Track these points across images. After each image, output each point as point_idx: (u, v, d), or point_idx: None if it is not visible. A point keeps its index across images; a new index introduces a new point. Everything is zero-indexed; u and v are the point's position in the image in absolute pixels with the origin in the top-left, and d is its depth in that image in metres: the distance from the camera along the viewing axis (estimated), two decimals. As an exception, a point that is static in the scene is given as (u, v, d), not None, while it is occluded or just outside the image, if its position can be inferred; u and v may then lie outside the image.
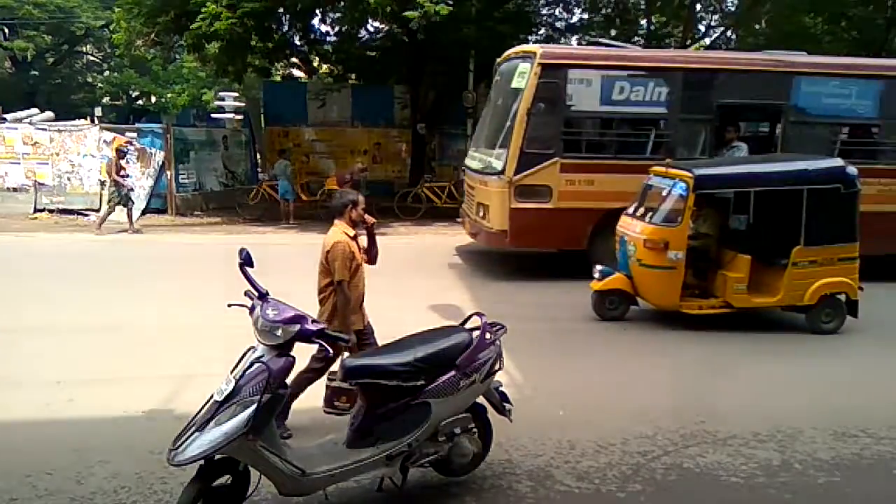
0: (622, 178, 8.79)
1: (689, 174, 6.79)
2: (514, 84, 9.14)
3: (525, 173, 8.81)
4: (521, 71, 9.08)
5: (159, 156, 14.87)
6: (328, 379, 4.24)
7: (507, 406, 3.99)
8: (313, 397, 4.46)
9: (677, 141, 9.13)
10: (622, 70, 8.99)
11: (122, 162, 13.11)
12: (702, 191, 6.85)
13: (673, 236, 6.84)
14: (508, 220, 8.92)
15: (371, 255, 4.63)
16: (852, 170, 6.89)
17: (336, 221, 4.50)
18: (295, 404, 4.32)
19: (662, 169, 7.33)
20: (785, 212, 6.87)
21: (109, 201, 12.82)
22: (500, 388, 3.98)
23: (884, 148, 9.53)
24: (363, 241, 4.62)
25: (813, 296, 6.88)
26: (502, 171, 8.91)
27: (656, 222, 7.03)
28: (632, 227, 7.27)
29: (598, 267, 7.38)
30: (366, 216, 4.55)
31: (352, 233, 4.45)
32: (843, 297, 6.99)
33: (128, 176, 13.21)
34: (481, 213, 9.50)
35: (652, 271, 6.96)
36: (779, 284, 6.92)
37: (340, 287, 4.30)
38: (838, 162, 7.04)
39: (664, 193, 7.12)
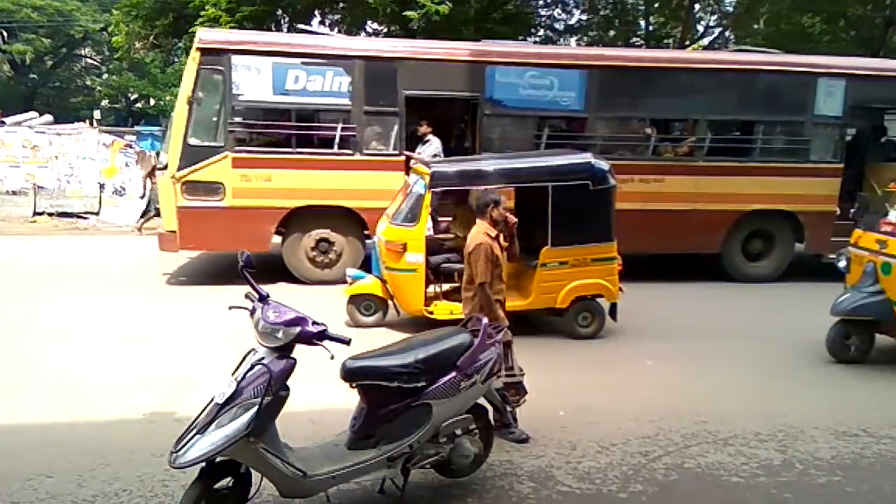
0: (307, 175, 8.37)
1: (427, 171, 6.46)
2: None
3: (191, 169, 8.12)
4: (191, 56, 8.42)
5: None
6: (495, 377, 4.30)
7: (508, 407, 3.99)
8: (311, 398, 4.46)
9: (366, 134, 8.60)
10: (295, 57, 8.32)
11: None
12: (439, 188, 6.52)
13: (411, 237, 6.45)
14: (177, 220, 8.23)
15: (511, 252, 4.61)
16: (602, 165, 6.54)
17: (478, 221, 4.52)
18: (295, 406, 4.30)
19: (420, 166, 6.96)
20: (538, 211, 6.49)
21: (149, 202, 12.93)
22: (501, 390, 3.98)
23: (614, 143, 9.13)
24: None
25: (565, 299, 6.55)
26: (166, 167, 8.29)
27: (396, 223, 6.69)
28: (380, 228, 6.98)
29: (350, 271, 7.08)
30: (508, 216, 4.55)
31: (493, 233, 4.44)
32: (600, 300, 6.72)
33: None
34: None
35: (395, 274, 6.59)
36: (531, 287, 6.61)
37: (482, 289, 4.31)
38: (586, 157, 6.66)
39: (408, 191, 6.84)
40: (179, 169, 8.11)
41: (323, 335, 3.23)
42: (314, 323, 3.25)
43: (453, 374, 3.56)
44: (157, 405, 4.84)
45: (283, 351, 3.20)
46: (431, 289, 6.90)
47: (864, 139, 10.46)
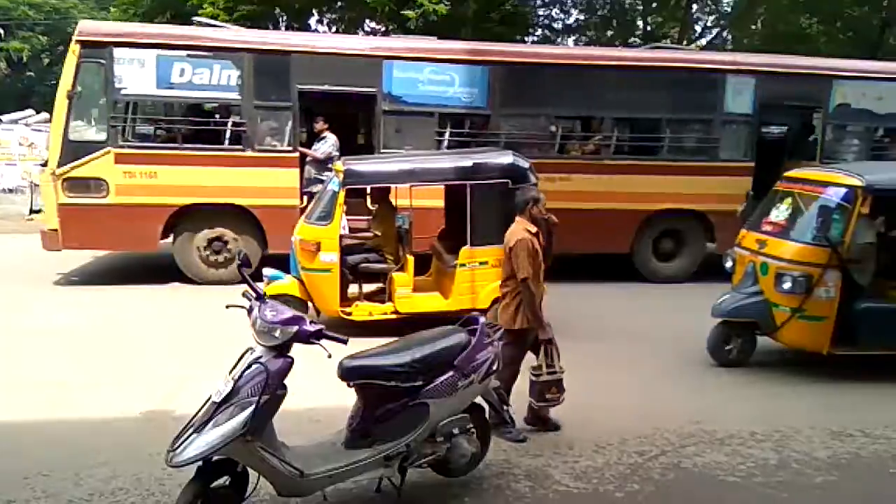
0: (195, 172, 8.07)
1: (342, 168, 6.36)
2: None
3: (72, 165, 7.84)
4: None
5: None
6: (533, 374, 4.36)
7: (505, 406, 3.99)
8: (309, 397, 4.46)
9: (258, 130, 8.36)
10: (181, 50, 8.03)
11: None
12: (352, 186, 6.38)
13: (325, 236, 6.29)
14: (59, 218, 7.90)
15: (545, 253, 4.57)
16: (523, 163, 6.41)
17: (517, 218, 4.53)
18: (292, 405, 4.30)
19: (338, 164, 6.77)
20: (460, 210, 6.40)
21: None
22: (498, 389, 3.98)
23: (518, 141, 8.74)
24: None
25: (486, 299, 6.31)
26: (46, 163, 8.07)
27: (310, 221, 6.53)
28: (297, 228, 6.77)
29: (267, 271, 6.82)
30: (550, 215, 4.55)
31: (533, 229, 4.44)
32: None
33: None
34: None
35: (310, 274, 6.40)
36: (451, 288, 6.45)
37: (525, 284, 4.28)
38: (507, 155, 6.52)
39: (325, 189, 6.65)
40: (59, 165, 7.84)
41: (320, 334, 3.23)
42: (311, 322, 3.26)
43: (451, 373, 3.56)
44: (154, 403, 4.83)
45: (281, 350, 3.19)
46: (353, 289, 6.77)
47: (784, 138, 10.42)
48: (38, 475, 3.83)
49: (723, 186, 9.08)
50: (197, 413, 3.13)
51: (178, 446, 3.00)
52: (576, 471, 4.10)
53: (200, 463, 3.05)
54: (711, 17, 23.94)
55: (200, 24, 9.54)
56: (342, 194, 6.29)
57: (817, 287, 5.51)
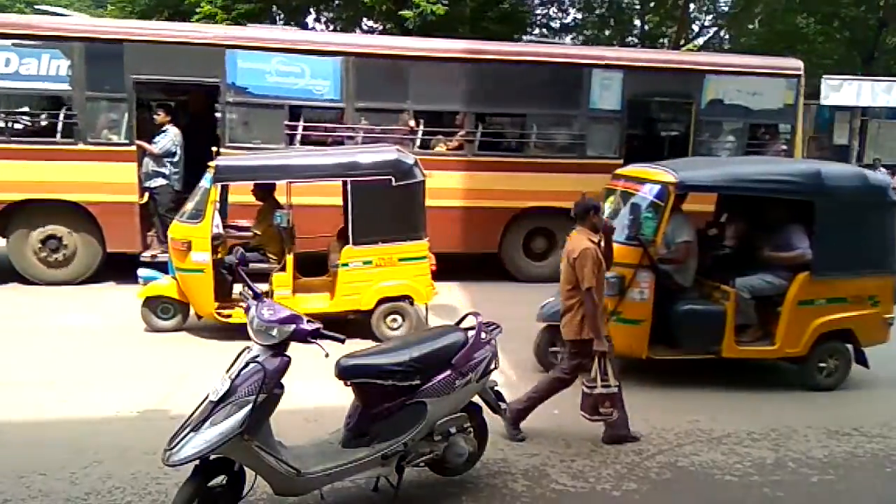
0: (23, 166, 7.65)
1: (213, 164, 6.14)
2: None
3: None
4: None
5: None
6: (587, 387, 4.27)
7: (503, 405, 4.00)
8: (307, 396, 4.46)
9: (91, 123, 7.89)
10: (6, 39, 7.59)
11: None
12: (223, 182, 6.14)
13: (196, 235, 6.01)
14: None
15: (607, 260, 4.47)
16: (408, 159, 6.25)
17: (577, 227, 4.43)
18: (289, 404, 4.30)
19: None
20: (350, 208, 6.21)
21: None
22: (496, 388, 3.98)
23: (375, 135, 8.42)
24: None
25: (370, 300, 6.16)
26: None
27: (181, 219, 6.25)
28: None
29: (141, 271, 6.56)
30: (607, 221, 4.49)
31: (596, 238, 4.35)
32: (408, 302, 6.31)
33: None
34: None
35: (183, 274, 6.13)
36: (334, 288, 6.26)
37: (589, 294, 4.18)
38: (390, 151, 6.36)
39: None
40: None
41: (317, 333, 3.23)
42: (308, 321, 3.25)
43: (448, 372, 3.56)
44: (150, 402, 4.82)
45: (278, 349, 3.19)
46: (238, 290, 6.38)
47: (659, 134, 10.27)
48: (33, 474, 3.82)
49: (591, 184, 8.10)
50: (194, 412, 3.12)
51: (175, 445, 2.99)
52: (573, 470, 4.10)
53: (197, 462, 3.05)
54: (709, 17, 23.98)
55: (42, 11, 9.15)
56: (214, 191, 6.02)
57: (631, 289, 5.18)
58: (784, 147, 9.46)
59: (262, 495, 3.53)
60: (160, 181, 7.98)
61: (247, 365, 3.12)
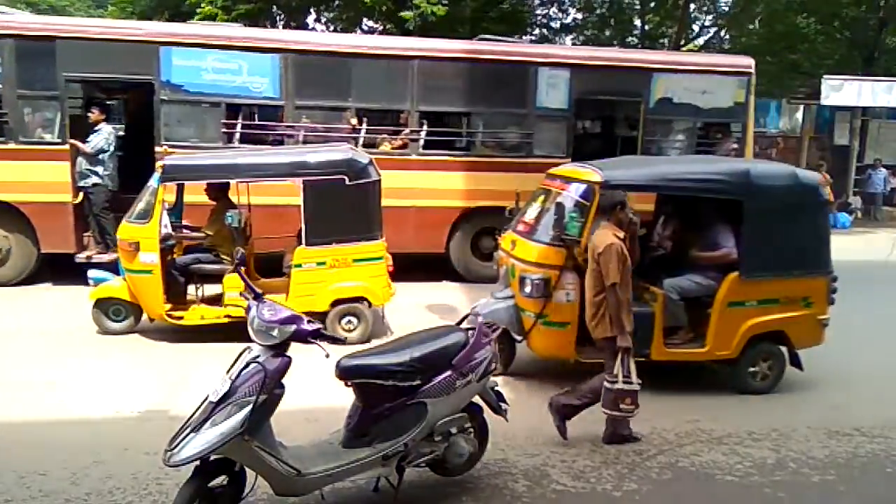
0: None
1: (161, 163, 6.06)
2: None
3: None
4: None
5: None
6: (608, 382, 4.24)
7: (503, 405, 3.99)
8: (307, 397, 4.46)
9: (22, 121, 7.78)
10: None
11: None
12: (172, 181, 6.07)
13: (143, 235, 5.91)
14: None
15: (632, 257, 4.44)
16: (361, 158, 6.18)
17: (602, 223, 4.40)
18: (290, 404, 4.31)
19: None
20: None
21: None
22: (496, 388, 3.98)
23: (317, 133, 8.35)
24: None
25: (325, 302, 6.09)
26: None
27: (130, 220, 6.13)
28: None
29: (92, 272, 6.44)
30: (633, 217, 4.43)
31: (622, 234, 4.31)
32: (365, 303, 6.22)
33: None
34: None
35: (132, 276, 6.05)
36: (287, 290, 6.16)
37: (613, 289, 4.16)
38: (343, 150, 6.30)
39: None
40: None
41: (318, 333, 3.23)
42: (309, 321, 3.26)
43: (448, 372, 3.56)
44: (151, 403, 4.82)
45: (278, 349, 3.20)
46: (193, 291, 6.44)
47: (611, 133, 10.21)
48: (34, 474, 3.82)
49: (527, 183, 7.93)
50: (194, 412, 3.12)
51: (176, 446, 3.00)
52: (573, 470, 4.10)
53: (198, 462, 3.05)
54: (709, 17, 23.97)
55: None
56: (161, 191, 5.92)
57: (556, 290, 5.06)
58: (735, 146, 9.36)
59: (263, 495, 3.53)
60: (94, 180, 7.86)
61: (247, 365, 3.12)
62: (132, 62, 7.88)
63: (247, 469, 3.24)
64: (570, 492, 3.87)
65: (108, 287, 6.27)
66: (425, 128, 8.69)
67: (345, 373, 3.40)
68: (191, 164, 6.34)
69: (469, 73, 8.68)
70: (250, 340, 3.24)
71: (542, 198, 5.78)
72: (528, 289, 5.17)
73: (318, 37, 10.66)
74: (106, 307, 6.24)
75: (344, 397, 3.67)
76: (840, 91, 14.96)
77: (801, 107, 18.58)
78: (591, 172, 5.25)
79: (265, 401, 3.08)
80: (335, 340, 3.28)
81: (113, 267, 6.64)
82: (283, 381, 3.22)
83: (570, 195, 5.37)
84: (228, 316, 6.06)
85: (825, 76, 15.30)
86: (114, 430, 4.43)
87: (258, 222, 7.03)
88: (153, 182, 6.01)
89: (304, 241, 6.07)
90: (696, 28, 23.88)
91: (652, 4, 22.09)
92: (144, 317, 6.29)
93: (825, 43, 20.00)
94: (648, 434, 4.59)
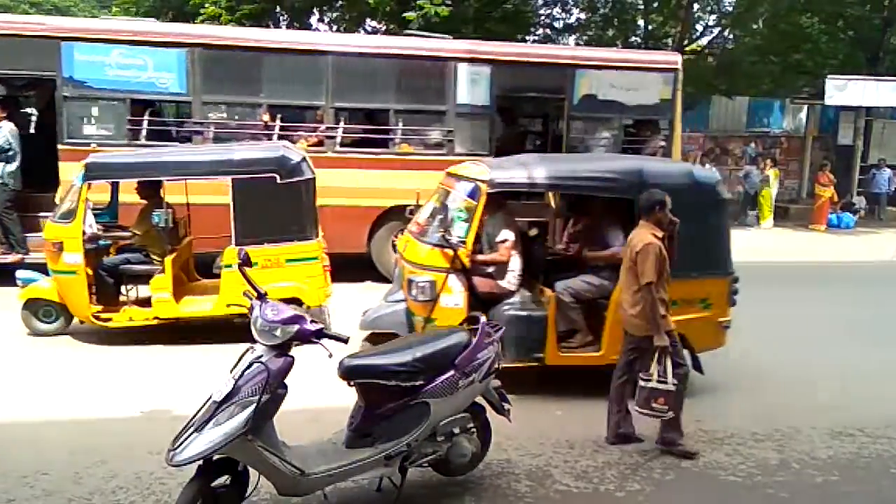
0: None
1: (84, 161, 5.90)
2: None
3: None
4: None
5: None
6: (643, 379, 4.20)
7: (506, 406, 3.99)
8: (310, 397, 4.46)
9: None
10: None
11: None
12: (96, 180, 5.88)
13: (67, 235, 5.76)
14: None
15: (671, 257, 4.37)
16: (293, 156, 6.03)
17: (641, 222, 4.36)
18: (292, 404, 4.31)
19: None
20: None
21: None
22: (499, 388, 3.98)
23: (227, 130, 8.22)
24: None
25: None
26: None
27: (54, 220, 5.99)
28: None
29: (20, 273, 6.28)
30: (672, 217, 4.39)
31: (660, 234, 4.27)
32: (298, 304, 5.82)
33: None
34: None
35: (58, 277, 5.91)
36: (217, 291, 6.02)
37: (648, 289, 4.12)
38: (276, 148, 6.20)
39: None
40: None
41: (321, 333, 3.23)
42: (312, 321, 3.26)
43: (451, 372, 3.56)
44: (154, 402, 4.83)
45: (281, 349, 3.20)
46: (127, 293, 6.30)
47: (539, 131, 10.05)
48: (37, 474, 3.83)
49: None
50: (197, 412, 3.13)
51: (179, 445, 3.00)
52: (576, 470, 4.10)
53: (201, 462, 3.05)
54: (713, 17, 23.90)
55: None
56: (85, 189, 5.77)
57: (443, 294, 4.87)
58: (663, 143, 9.26)
59: (266, 495, 3.53)
60: None
61: (250, 365, 3.12)
62: (33, 58, 7.71)
63: (250, 469, 3.24)
64: (572, 492, 3.87)
65: (36, 287, 6.13)
66: (342, 125, 8.51)
67: (347, 373, 3.41)
68: (115, 162, 6.17)
69: (387, 69, 8.51)
70: (253, 340, 3.25)
71: (436, 197, 5.66)
72: (414, 291, 4.98)
73: (226, 31, 10.27)
74: (35, 308, 6.12)
75: (347, 397, 3.67)
76: (844, 91, 14.93)
77: (805, 107, 18.55)
78: (482, 171, 5.10)
79: (268, 401, 3.08)
80: (338, 340, 3.27)
81: (43, 267, 6.46)
82: (286, 381, 3.22)
83: (459, 194, 5.24)
84: (157, 318, 5.97)
85: (829, 76, 15.26)
86: (117, 430, 4.44)
87: (199, 221, 6.88)
88: (76, 181, 5.86)
89: (233, 240, 5.91)
90: (699, 28, 23.83)
91: (655, 4, 22.03)
92: (75, 319, 6.17)
93: (829, 42, 19.91)
94: (651, 435, 4.58)
